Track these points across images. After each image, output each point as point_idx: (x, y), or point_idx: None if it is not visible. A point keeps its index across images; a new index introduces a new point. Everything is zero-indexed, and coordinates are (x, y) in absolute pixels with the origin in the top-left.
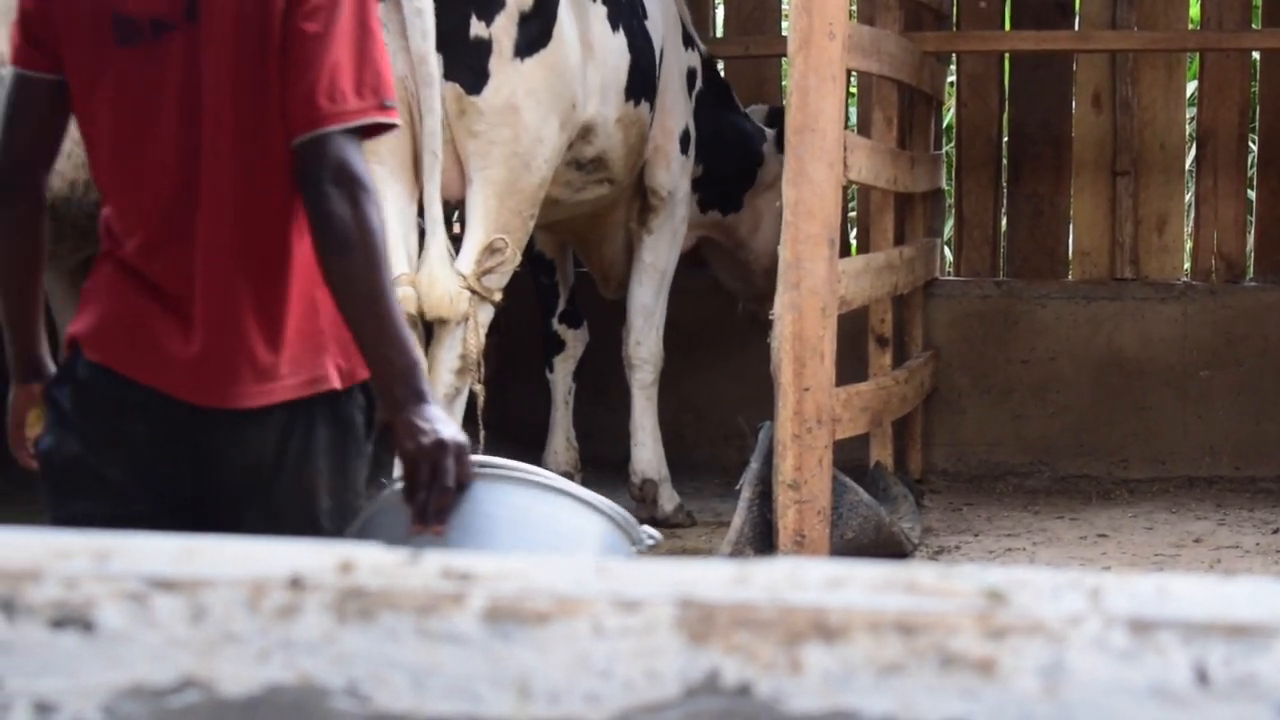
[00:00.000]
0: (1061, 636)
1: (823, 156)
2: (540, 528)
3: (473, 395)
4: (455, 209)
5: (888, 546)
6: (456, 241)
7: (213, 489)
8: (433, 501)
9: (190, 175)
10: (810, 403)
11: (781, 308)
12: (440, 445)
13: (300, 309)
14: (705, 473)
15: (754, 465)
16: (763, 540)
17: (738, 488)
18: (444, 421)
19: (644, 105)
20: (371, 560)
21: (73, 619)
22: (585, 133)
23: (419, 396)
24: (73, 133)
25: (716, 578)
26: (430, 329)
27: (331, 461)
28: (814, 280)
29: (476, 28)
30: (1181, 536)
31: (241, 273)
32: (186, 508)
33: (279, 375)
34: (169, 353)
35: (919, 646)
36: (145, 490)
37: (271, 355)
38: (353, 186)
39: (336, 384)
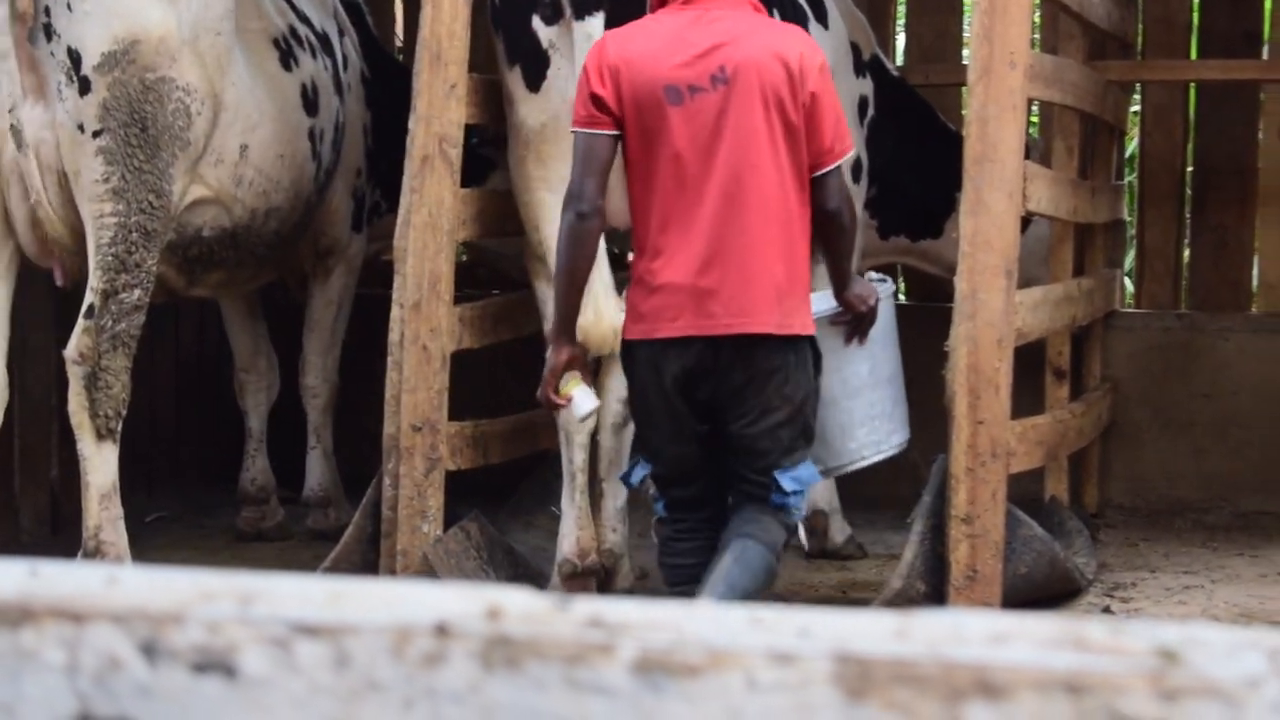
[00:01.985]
0: (1239, 700)
1: (1002, 186)
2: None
3: None
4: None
5: (1061, 582)
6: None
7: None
8: (865, 323)
9: (735, 189)
10: (985, 436)
11: (957, 339)
12: (871, 301)
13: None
14: (879, 506)
15: (926, 498)
16: (934, 574)
17: (910, 520)
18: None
19: None
20: (519, 607)
21: (215, 664)
22: None
23: (854, 281)
24: (253, 160)
25: (875, 630)
26: (599, 359)
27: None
28: (990, 312)
29: None
30: None
31: (776, 256)
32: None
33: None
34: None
35: (1088, 707)
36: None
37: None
38: (849, 202)
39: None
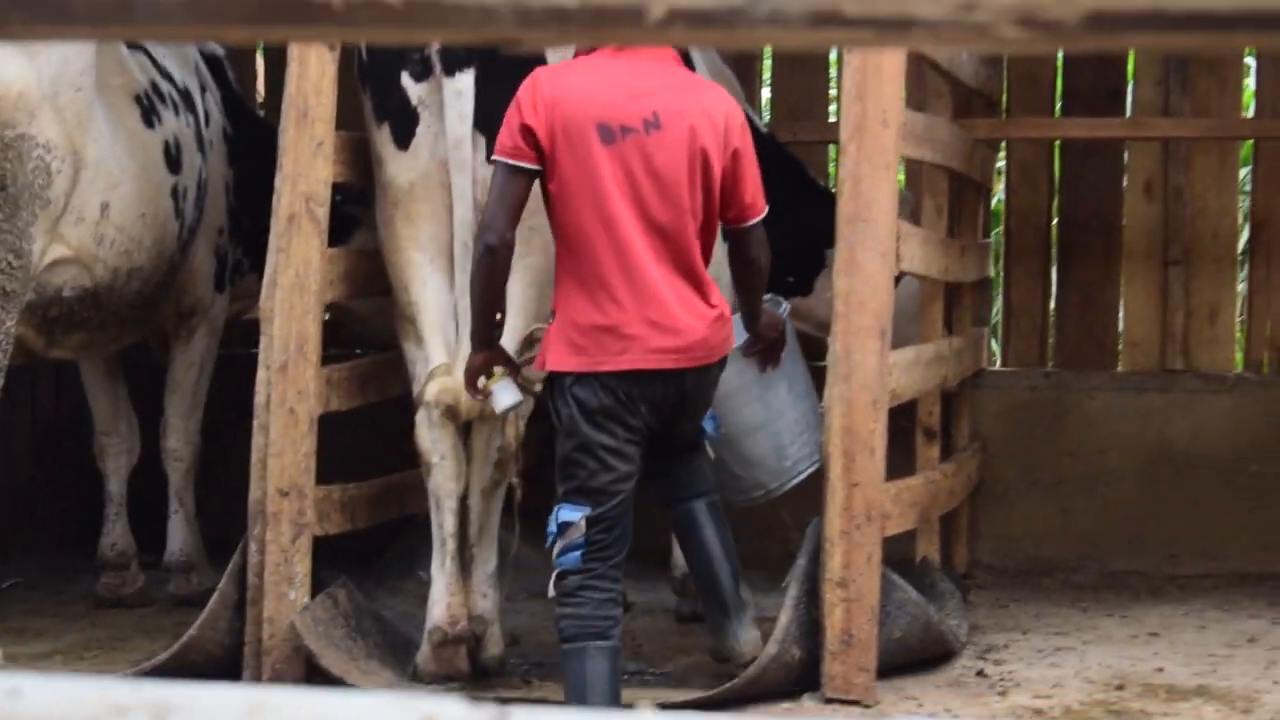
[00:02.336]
0: None
1: (875, 246)
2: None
3: (511, 488)
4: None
5: (935, 645)
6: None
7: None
8: (771, 354)
9: (650, 232)
10: (859, 498)
11: (831, 400)
12: (780, 328)
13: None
14: (748, 567)
15: (801, 562)
16: (809, 638)
17: (784, 585)
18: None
19: None
20: (455, 716)
21: None
22: None
23: (763, 313)
24: (114, 219)
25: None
26: (470, 423)
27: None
28: (865, 373)
29: None
30: (1235, 636)
31: (703, 294)
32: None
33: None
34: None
35: None
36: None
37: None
38: (765, 249)
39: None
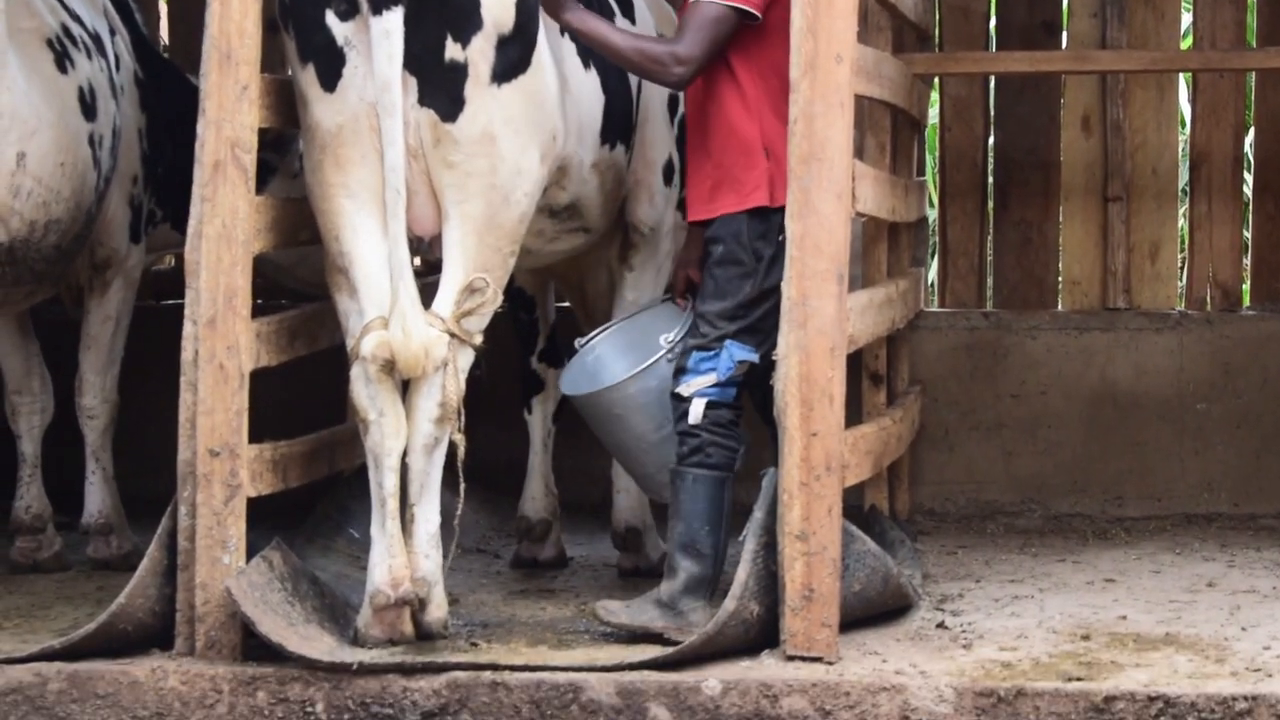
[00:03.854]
0: None
1: (831, 187)
2: None
3: (453, 445)
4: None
5: (895, 598)
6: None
7: None
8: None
9: None
10: (819, 448)
11: (786, 348)
12: None
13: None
14: None
15: (758, 514)
16: (768, 594)
17: (740, 538)
18: None
19: (619, 149)
20: None
21: None
22: (560, 175)
23: None
24: (31, 169)
25: None
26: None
27: None
28: (822, 319)
29: (452, 50)
30: (1192, 580)
31: None
32: None
33: None
34: None
35: None
36: None
37: None
38: None
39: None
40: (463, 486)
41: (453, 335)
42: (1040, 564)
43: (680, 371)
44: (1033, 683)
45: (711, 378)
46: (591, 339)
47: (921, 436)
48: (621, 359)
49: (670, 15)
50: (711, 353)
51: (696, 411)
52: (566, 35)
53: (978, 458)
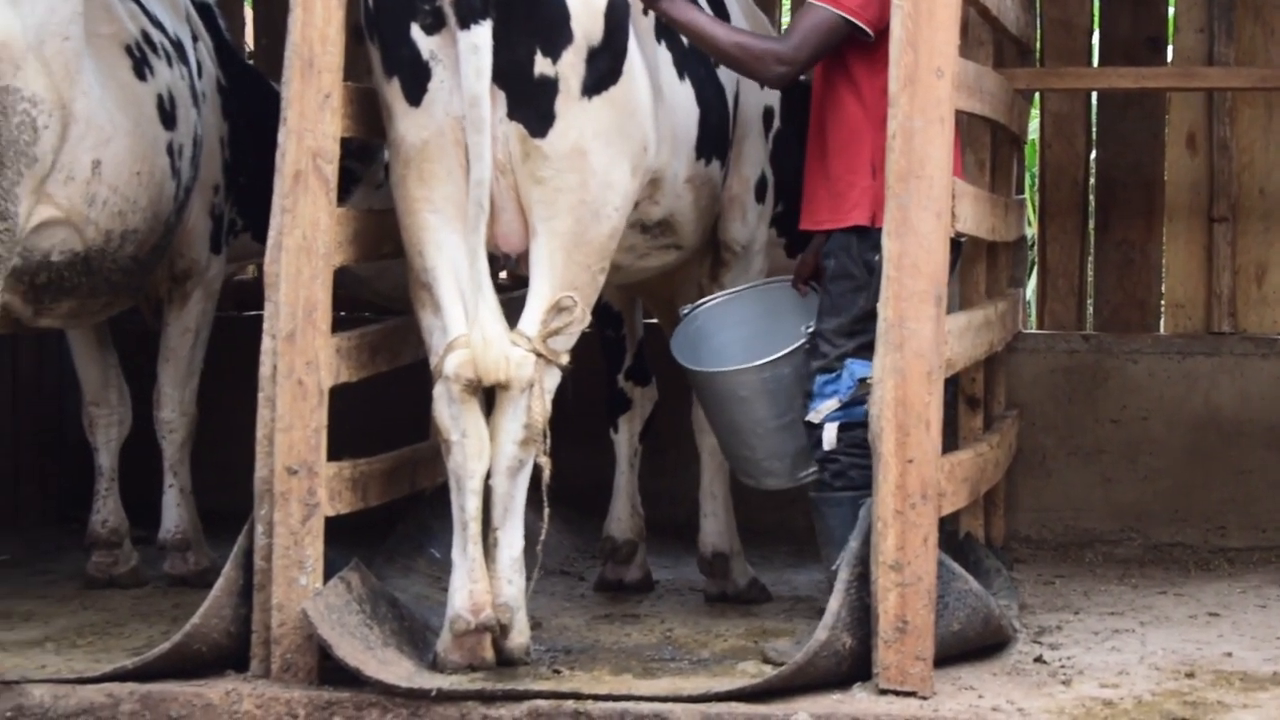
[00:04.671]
0: None
1: (930, 205)
2: None
3: (537, 468)
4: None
5: (994, 637)
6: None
7: None
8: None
9: None
10: (914, 476)
11: (882, 371)
12: None
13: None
14: (772, 540)
15: (853, 544)
16: (861, 625)
17: (834, 567)
18: None
19: (715, 164)
20: None
21: None
22: (653, 189)
23: None
24: (107, 178)
25: None
26: (491, 395)
27: None
28: (919, 342)
29: (542, 65)
30: None
31: None
32: None
33: None
34: None
35: None
36: None
37: None
38: None
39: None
40: (547, 511)
41: (539, 355)
42: (1141, 596)
43: (807, 396)
44: None
45: (834, 402)
46: (697, 308)
47: (1018, 462)
48: (727, 332)
49: (764, 22)
50: (834, 374)
51: (830, 437)
52: (662, 44)
53: (1076, 484)
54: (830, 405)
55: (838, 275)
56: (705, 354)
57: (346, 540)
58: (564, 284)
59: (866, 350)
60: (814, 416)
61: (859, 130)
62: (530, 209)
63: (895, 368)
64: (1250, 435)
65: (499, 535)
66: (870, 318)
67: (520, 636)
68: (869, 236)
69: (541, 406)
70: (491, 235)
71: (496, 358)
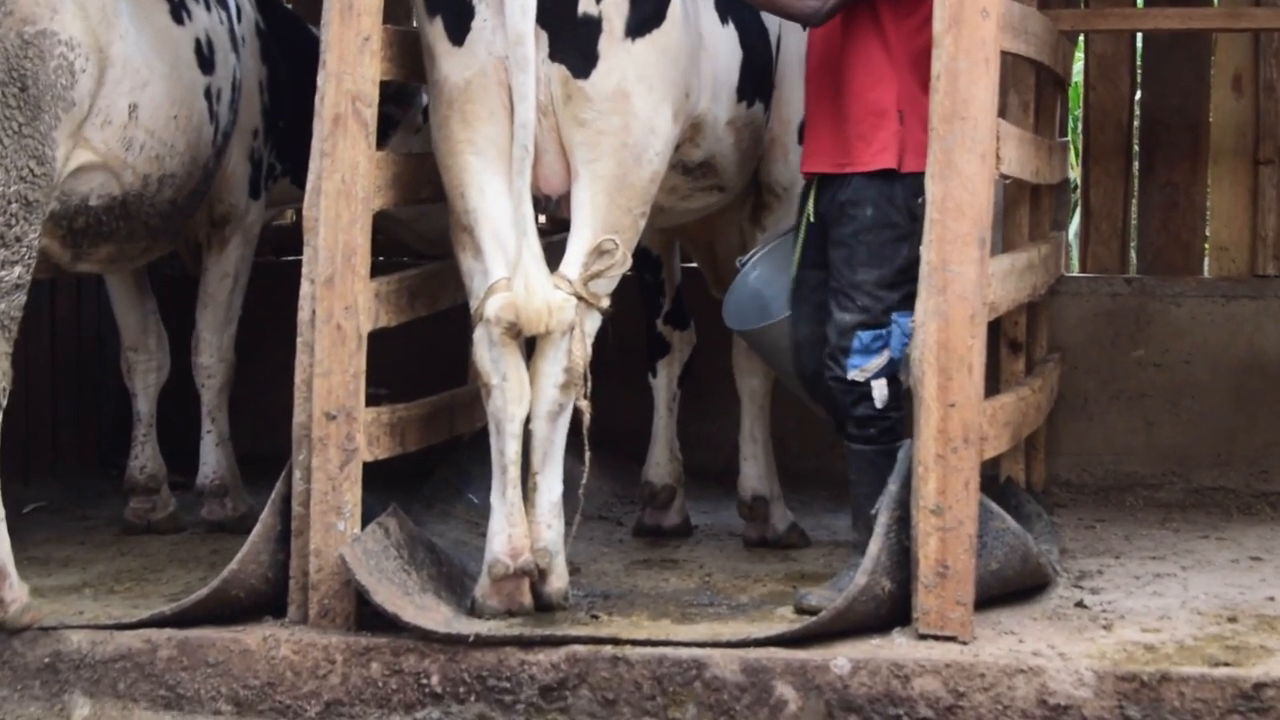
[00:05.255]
0: None
1: (974, 147)
2: None
3: (577, 411)
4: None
5: (1033, 577)
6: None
7: None
8: None
9: None
10: (956, 420)
11: (925, 314)
12: None
13: None
14: (812, 485)
15: (892, 488)
16: (900, 569)
17: (874, 511)
18: None
19: (758, 106)
20: None
21: None
22: (694, 132)
23: None
24: (144, 122)
25: None
26: (532, 340)
27: None
28: (963, 284)
29: (585, 4)
30: None
31: None
32: None
33: None
34: None
35: None
36: None
37: None
38: None
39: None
40: (588, 455)
41: (580, 298)
42: (1182, 540)
43: (843, 352)
44: (1177, 667)
45: (886, 356)
46: (751, 257)
47: (1060, 405)
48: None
49: None
50: (882, 330)
51: (881, 394)
52: None
53: (1118, 428)
54: (880, 362)
55: (878, 224)
56: (773, 299)
57: (384, 485)
58: (606, 227)
59: (908, 302)
60: (858, 375)
61: (882, 73)
62: (572, 151)
63: (938, 311)
64: None
65: (538, 480)
66: (914, 268)
67: (559, 581)
68: (907, 183)
69: (582, 350)
70: (534, 177)
71: (540, 307)
